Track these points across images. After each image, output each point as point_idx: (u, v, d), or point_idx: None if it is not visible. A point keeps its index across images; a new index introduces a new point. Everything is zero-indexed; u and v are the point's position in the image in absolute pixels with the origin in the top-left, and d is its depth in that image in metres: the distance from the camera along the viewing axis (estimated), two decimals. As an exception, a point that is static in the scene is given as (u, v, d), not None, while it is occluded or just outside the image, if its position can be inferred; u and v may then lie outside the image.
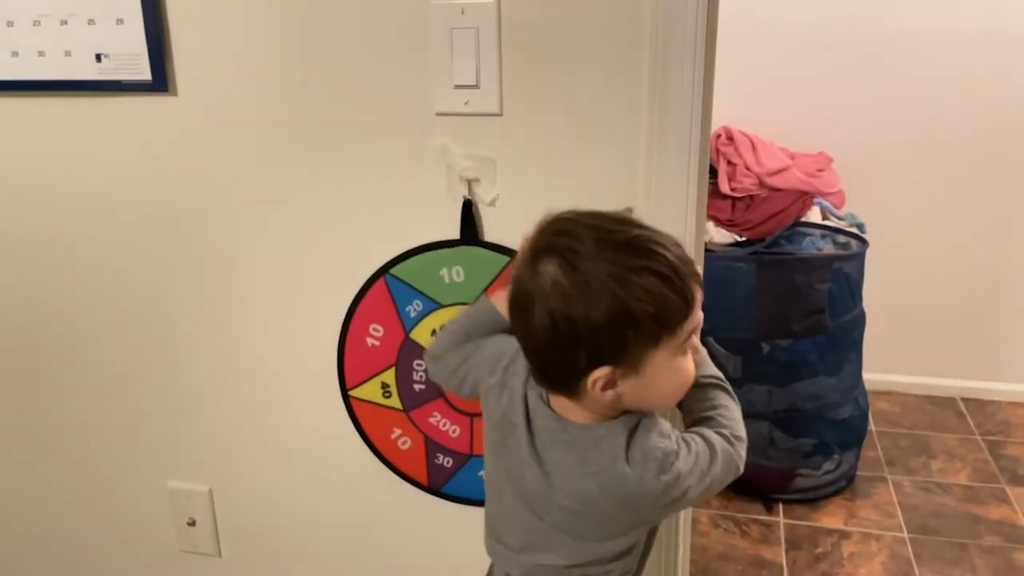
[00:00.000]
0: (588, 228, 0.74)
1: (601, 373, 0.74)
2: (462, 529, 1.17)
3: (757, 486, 2.30)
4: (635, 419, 0.80)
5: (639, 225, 0.77)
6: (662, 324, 0.74)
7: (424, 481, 1.18)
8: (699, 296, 0.77)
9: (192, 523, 1.26)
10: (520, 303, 0.77)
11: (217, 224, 1.13)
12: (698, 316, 0.77)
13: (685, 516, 1.10)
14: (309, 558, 1.26)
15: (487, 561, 1.17)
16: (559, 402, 0.81)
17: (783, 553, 2.11)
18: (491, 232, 1.03)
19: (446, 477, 1.17)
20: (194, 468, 1.26)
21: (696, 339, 0.81)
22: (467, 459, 1.15)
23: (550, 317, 0.73)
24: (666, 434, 0.80)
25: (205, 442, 1.24)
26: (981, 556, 2.06)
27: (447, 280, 1.07)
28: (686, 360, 0.79)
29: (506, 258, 1.04)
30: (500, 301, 0.91)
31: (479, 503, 1.17)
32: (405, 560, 1.22)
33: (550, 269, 0.73)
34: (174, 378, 1.22)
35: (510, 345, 0.86)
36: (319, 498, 1.22)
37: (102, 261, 1.19)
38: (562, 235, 0.75)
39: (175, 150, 1.11)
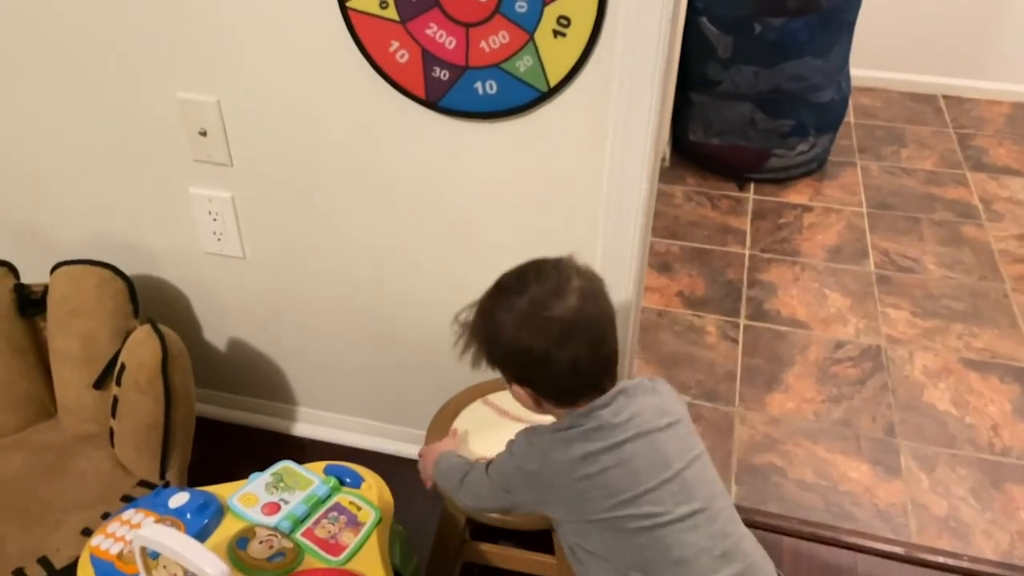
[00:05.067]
0: None
1: None
2: (460, 143, 1.25)
3: (732, 166, 2.43)
4: None
5: None
6: None
7: (422, 94, 1.23)
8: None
9: (204, 133, 1.33)
10: None
11: None
12: None
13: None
14: (311, 169, 1.36)
15: (476, 189, 1.26)
16: None
17: (748, 222, 2.29)
18: None
19: (443, 90, 1.22)
20: (202, 81, 1.30)
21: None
22: (463, 72, 1.20)
23: None
24: None
25: (211, 57, 1.28)
26: (931, 228, 2.24)
27: None
28: None
29: None
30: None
31: (475, 116, 1.24)
32: (405, 174, 1.31)
33: None
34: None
35: None
36: (321, 111, 1.29)
37: None
38: None
39: None
